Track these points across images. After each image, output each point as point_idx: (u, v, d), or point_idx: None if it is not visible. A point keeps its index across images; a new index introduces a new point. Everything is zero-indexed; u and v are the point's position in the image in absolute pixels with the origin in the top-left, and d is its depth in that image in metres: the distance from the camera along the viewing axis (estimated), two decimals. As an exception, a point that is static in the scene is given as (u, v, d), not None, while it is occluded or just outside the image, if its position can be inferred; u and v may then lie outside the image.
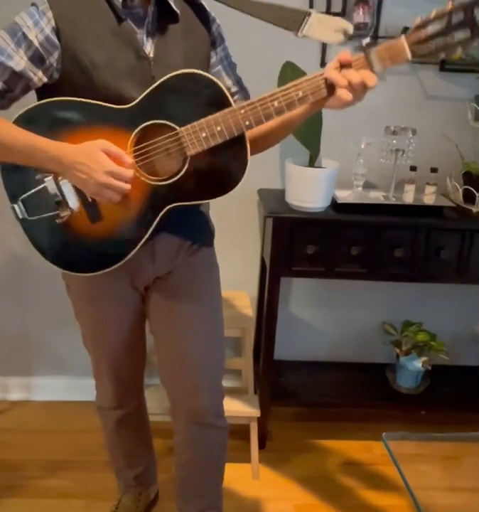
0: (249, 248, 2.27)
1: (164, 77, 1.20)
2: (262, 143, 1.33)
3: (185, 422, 1.54)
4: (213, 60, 1.35)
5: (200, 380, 1.49)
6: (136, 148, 1.22)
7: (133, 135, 1.22)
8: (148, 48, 1.25)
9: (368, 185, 2.12)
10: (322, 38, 1.20)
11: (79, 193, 1.23)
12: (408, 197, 2.04)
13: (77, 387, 2.41)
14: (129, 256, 1.30)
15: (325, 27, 1.18)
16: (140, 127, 1.21)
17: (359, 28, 2.00)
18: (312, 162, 1.94)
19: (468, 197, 2.03)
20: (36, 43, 1.19)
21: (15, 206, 1.25)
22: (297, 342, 2.41)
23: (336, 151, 2.05)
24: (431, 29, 1.08)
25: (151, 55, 1.25)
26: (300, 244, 1.95)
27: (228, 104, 1.20)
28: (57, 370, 2.43)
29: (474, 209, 2.01)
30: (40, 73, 1.22)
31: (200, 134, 1.19)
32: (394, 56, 1.12)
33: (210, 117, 1.19)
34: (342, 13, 1.99)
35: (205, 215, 1.47)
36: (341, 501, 2.01)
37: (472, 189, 2.00)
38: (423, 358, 2.25)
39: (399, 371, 2.32)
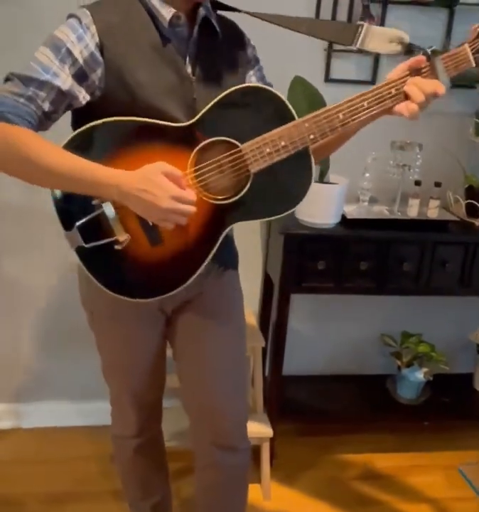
0: (250, 263, 2.23)
1: (223, 93, 1.15)
2: (321, 153, 1.30)
3: (209, 446, 1.49)
4: (250, 79, 1.32)
5: (227, 404, 1.45)
6: (197, 167, 1.17)
7: (193, 154, 1.16)
8: (190, 68, 1.21)
9: (371, 199, 2.12)
10: (378, 49, 1.18)
11: (140, 217, 1.16)
12: (413, 211, 2.05)
13: (69, 412, 2.32)
14: (191, 280, 1.24)
15: (379, 38, 1.16)
16: (200, 145, 1.16)
17: (366, 43, 2.00)
18: (322, 177, 1.92)
19: (471, 210, 2.06)
20: (81, 60, 1.12)
21: (71, 233, 1.17)
22: (296, 356, 2.38)
23: (341, 165, 2.04)
24: None
25: (193, 75, 1.21)
26: (311, 261, 1.93)
27: (291, 118, 1.16)
28: (48, 395, 2.33)
29: (477, 222, 2.05)
30: (83, 91, 1.15)
31: (263, 150, 1.15)
32: (458, 64, 1.13)
33: (273, 132, 1.15)
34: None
35: (231, 236, 1.43)
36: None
37: (475, 203, 2.03)
38: (425, 369, 2.27)
39: (399, 382, 2.34)
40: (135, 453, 1.60)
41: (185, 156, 1.17)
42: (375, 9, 1.98)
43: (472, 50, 1.12)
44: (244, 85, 1.19)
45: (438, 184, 2.06)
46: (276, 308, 1.99)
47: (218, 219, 1.22)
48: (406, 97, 1.14)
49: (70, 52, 1.12)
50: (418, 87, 1.12)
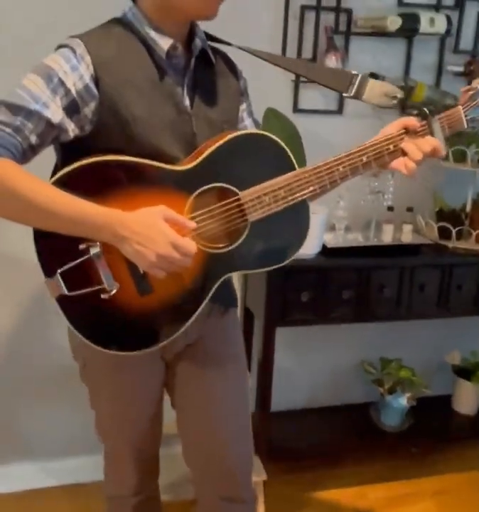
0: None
1: (224, 139, 1.11)
2: (312, 198, 1.27)
3: (216, 499, 1.40)
4: (242, 114, 1.29)
5: (235, 452, 1.37)
6: (194, 214, 1.11)
7: (190, 199, 1.10)
8: (187, 101, 1.16)
9: (346, 227, 2.12)
10: (372, 101, 1.21)
11: (130, 264, 1.08)
12: (388, 237, 2.07)
13: (48, 471, 2.16)
14: (181, 331, 1.17)
15: (374, 90, 1.20)
16: (198, 191, 1.10)
17: (332, 74, 2.03)
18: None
19: (443, 233, 2.10)
20: (74, 92, 1.04)
21: (53, 280, 1.06)
22: (278, 391, 2.32)
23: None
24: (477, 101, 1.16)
25: (191, 109, 1.16)
26: (295, 293, 1.90)
27: (292, 167, 1.14)
28: (24, 456, 2.16)
29: (450, 244, 2.09)
30: (72, 125, 1.06)
31: (263, 199, 1.12)
32: (452, 125, 1.17)
33: (273, 181, 1.12)
34: (313, 59, 2.01)
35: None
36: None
37: (448, 225, 2.07)
38: (408, 395, 2.26)
39: (383, 410, 2.32)
40: None
41: (181, 201, 1.10)
42: (339, 40, 2.02)
43: (464, 112, 1.17)
44: (245, 132, 1.18)
45: (410, 209, 2.09)
46: (262, 343, 1.94)
47: (213, 268, 1.16)
48: (404, 153, 1.15)
49: (62, 83, 1.04)
50: (416, 146, 1.14)
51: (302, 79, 2.02)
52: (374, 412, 2.35)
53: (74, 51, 1.06)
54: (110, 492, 1.50)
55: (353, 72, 1.21)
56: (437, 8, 2.07)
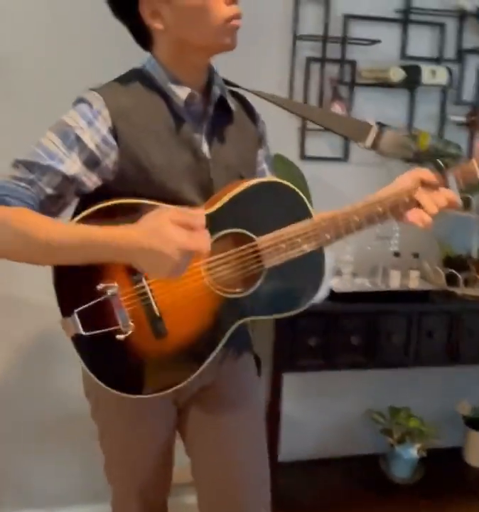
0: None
1: (243, 186, 1.13)
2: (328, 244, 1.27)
3: None
4: (259, 158, 1.31)
5: (254, 501, 1.33)
6: (210, 259, 1.12)
7: None
8: (205, 147, 1.18)
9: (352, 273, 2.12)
10: (389, 153, 1.22)
11: (145, 306, 1.10)
12: (395, 282, 2.06)
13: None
14: (195, 374, 1.16)
15: (390, 141, 1.20)
16: (216, 236, 1.11)
17: (338, 123, 2.07)
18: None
19: (451, 280, 2.10)
20: (91, 146, 1.07)
21: (69, 319, 1.07)
22: (284, 440, 2.27)
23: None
24: None
25: (208, 155, 1.18)
26: (302, 338, 1.88)
27: (309, 215, 1.16)
28: (24, 503, 2.10)
29: (458, 291, 2.08)
30: (94, 177, 1.08)
31: (279, 246, 1.13)
32: (466, 178, 1.16)
33: (290, 228, 1.13)
34: (319, 107, 2.06)
35: None
36: None
37: (455, 272, 2.07)
38: (418, 445, 2.20)
39: (392, 461, 2.26)
40: None
41: None
42: (344, 91, 2.07)
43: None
44: (263, 180, 1.19)
45: (416, 255, 2.09)
46: (269, 390, 1.90)
47: (228, 312, 1.17)
48: (418, 205, 1.15)
49: (78, 139, 1.07)
50: (432, 200, 1.13)
51: (308, 126, 2.07)
52: (383, 463, 2.29)
53: (91, 106, 1.08)
54: None
55: (370, 121, 1.21)
56: (438, 60, 2.13)
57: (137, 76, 1.16)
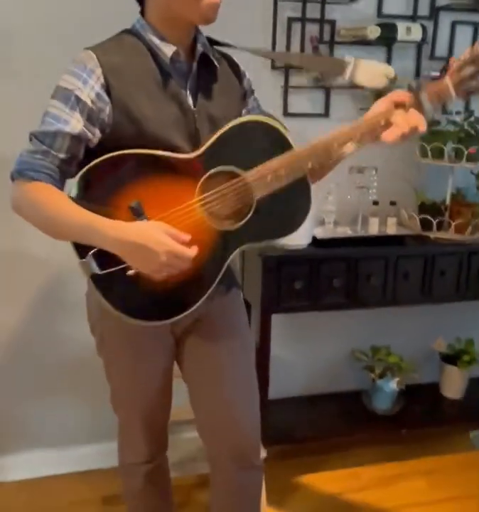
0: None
1: (225, 127, 1.25)
2: (316, 176, 1.39)
3: (226, 466, 1.52)
4: (245, 111, 1.43)
5: (246, 418, 1.49)
6: (203, 196, 1.25)
7: (199, 183, 1.24)
8: (190, 100, 1.30)
9: (334, 222, 2.27)
10: (366, 83, 1.31)
11: None
12: (374, 229, 2.22)
13: (54, 459, 2.28)
14: (200, 302, 1.31)
15: (367, 72, 1.29)
16: (206, 175, 1.24)
17: (318, 80, 2.19)
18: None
19: (425, 225, 2.25)
20: (89, 103, 1.20)
21: (86, 261, 1.20)
22: (272, 380, 2.45)
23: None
24: (468, 70, 1.21)
25: (194, 107, 1.30)
26: (288, 282, 2.04)
27: (289, 147, 1.27)
28: (30, 445, 2.27)
29: (432, 235, 2.24)
30: (97, 132, 1.22)
31: (265, 178, 1.24)
32: (440, 95, 1.24)
33: (274, 161, 1.24)
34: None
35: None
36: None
37: (429, 218, 2.22)
38: (397, 379, 2.39)
39: (374, 394, 2.44)
40: (145, 480, 1.61)
41: (192, 185, 1.25)
42: (324, 49, 2.18)
43: (452, 82, 1.23)
44: (244, 119, 1.29)
45: (393, 203, 2.24)
46: (259, 331, 2.06)
47: (224, 244, 1.30)
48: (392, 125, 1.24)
49: (78, 99, 1.19)
50: (405, 120, 1.22)
51: (291, 84, 2.18)
52: (366, 398, 2.48)
53: (85, 66, 1.21)
54: (124, 461, 1.63)
55: (347, 58, 1.31)
56: (413, 18, 2.25)
57: (127, 36, 1.28)
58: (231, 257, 1.32)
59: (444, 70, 2.29)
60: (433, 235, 2.23)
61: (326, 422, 2.39)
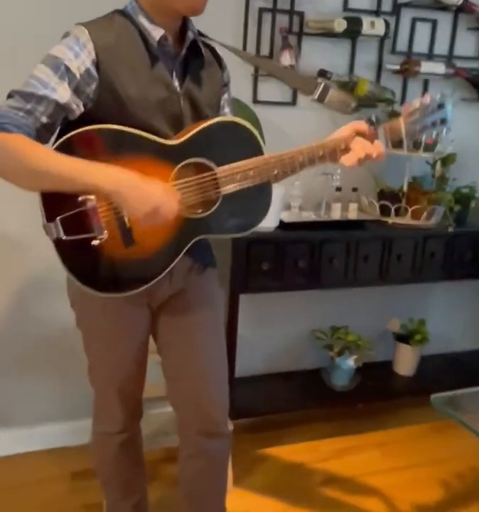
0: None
1: (208, 122, 1.33)
2: (281, 178, 1.48)
3: (197, 434, 1.60)
4: (224, 102, 1.50)
5: (216, 391, 1.58)
6: (176, 182, 1.31)
7: (175, 169, 1.31)
8: (176, 83, 1.36)
9: (299, 207, 2.37)
10: (332, 107, 1.45)
11: (118, 220, 1.28)
12: (336, 214, 2.33)
13: (21, 438, 2.30)
14: (157, 279, 1.37)
15: (333, 98, 1.43)
16: (182, 163, 1.31)
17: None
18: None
19: (384, 211, 2.38)
20: (78, 75, 1.23)
21: (52, 225, 1.24)
22: (237, 358, 2.54)
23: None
24: (417, 116, 1.40)
25: (179, 90, 1.36)
26: (256, 263, 2.13)
27: (260, 151, 1.37)
28: (7, 423, 2.29)
29: (390, 220, 2.37)
30: (81, 104, 1.26)
31: (235, 176, 1.33)
32: (393, 133, 1.41)
33: (245, 162, 1.34)
34: (270, 56, 2.25)
35: (209, 241, 1.58)
36: (311, 500, 2.17)
37: (388, 204, 2.35)
38: (355, 356, 2.53)
39: (332, 372, 2.58)
40: (119, 449, 1.67)
41: (168, 170, 1.31)
42: (293, 40, 2.26)
43: (404, 124, 1.41)
44: (226, 119, 1.39)
45: (355, 189, 2.36)
46: (227, 311, 2.14)
47: (188, 230, 1.38)
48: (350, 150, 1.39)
49: (68, 69, 1.23)
50: (362, 147, 1.37)
51: (260, 73, 2.26)
52: (325, 375, 2.61)
53: (77, 39, 1.24)
54: (99, 429, 1.68)
55: (318, 80, 1.45)
56: (377, 13, 2.35)
57: (119, 16, 1.33)
58: (190, 243, 1.39)
59: (404, 64, 2.43)
60: (391, 220, 2.37)
61: (288, 398, 2.51)
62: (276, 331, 2.63)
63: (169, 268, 1.39)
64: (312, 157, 1.39)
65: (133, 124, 1.27)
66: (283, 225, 2.19)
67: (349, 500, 2.17)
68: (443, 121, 1.43)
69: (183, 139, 1.32)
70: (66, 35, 1.27)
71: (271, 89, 2.31)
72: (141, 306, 1.49)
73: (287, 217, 2.24)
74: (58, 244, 1.27)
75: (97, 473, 1.79)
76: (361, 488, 2.24)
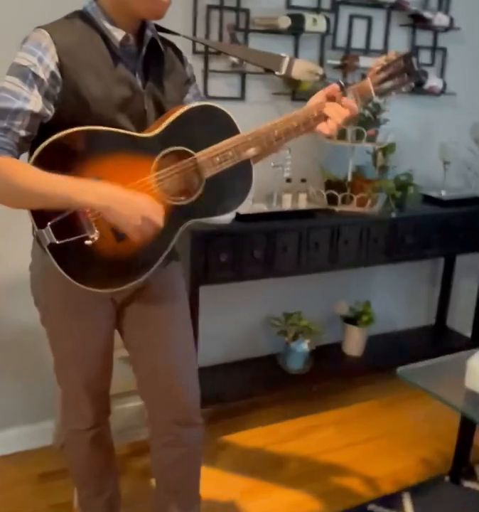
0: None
1: (180, 110, 1.35)
2: (256, 160, 1.51)
3: (170, 424, 1.63)
4: (188, 96, 1.52)
5: (187, 382, 1.62)
6: (158, 173, 1.34)
7: (155, 161, 1.34)
8: (140, 82, 1.38)
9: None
10: (300, 77, 1.49)
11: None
12: (287, 205, 2.42)
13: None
14: (153, 269, 1.40)
15: (300, 68, 1.47)
16: (162, 153, 1.34)
17: (235, 65, 2.33)
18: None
19: (331, 200, 2.50)
20: (45, 80, 1.24)
21: (44, 231, 1.25)
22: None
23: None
24: (384, 74, 1.42)
25: (143, 89, 1.38)
26: (214, 255, 2.18)
27: (236, 131, 1.40)
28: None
29: (337, 209, 2.49)
30: (52, 107, 1.27)
31: (214, 159, 1.37)
32: (363, 94, 1.43)
33: (222, 143, 1.37)
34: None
35: None
36: (274, 478, 2.27)
37: (335, 193, 2.47)
38: (308, 341, 2.64)
39: (287, 356, 2.68)
40: (91, 445, 1.68)
41: (148, 162, 1.34)
42: (240, 37, 2.32)
43: (373, 83, 1.43)
44: (199, 104, 1.41)
45: (303, 180, 2.46)
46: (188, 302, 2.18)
47: (176, 218, 1.41)
48: (326, 118, 1.41)
49: (35, 76, 1.23)
50: (336, 111, 1.40)
51: (210, 68, 2.31)
52: (281, 359, 2.71)
53: (39, 43, 1.25)
54: (69, 428, 1.68)
55: (282, 54, 1.46)
56: (317, 10, 2.46)
57: (79, 17, 1.34)
58: (181, 229, 1.43)
59: (344, 60, 2.54)
60: (339, 208, 2.49)
61: (246, 385, 2.59)
62: (232, 320, 2.70)
63: (163, 256, 1.42)
64: (287, 130, 1.41)
65: (100, 125, 1.29)
66: (239, 217, 2.26)
67: (309, 475, 2.28)
68: (410, 74, 1.42)
69: (158, 130, 1.35)
70: (26, 39, 1.27)
71: (221, 85, 2.37)
72: (104, 300, 1.50)
73: (241, 209, 2.30)
74: (52, 249, 1.28)
75: (70, 471, 1.80)
76: (320, 465, 2.36)
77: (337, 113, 1.40)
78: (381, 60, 1.43)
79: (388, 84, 1.43)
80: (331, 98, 1.43)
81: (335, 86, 1.43)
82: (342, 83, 1.43)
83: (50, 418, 2.28)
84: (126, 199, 1.25)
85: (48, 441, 2.31)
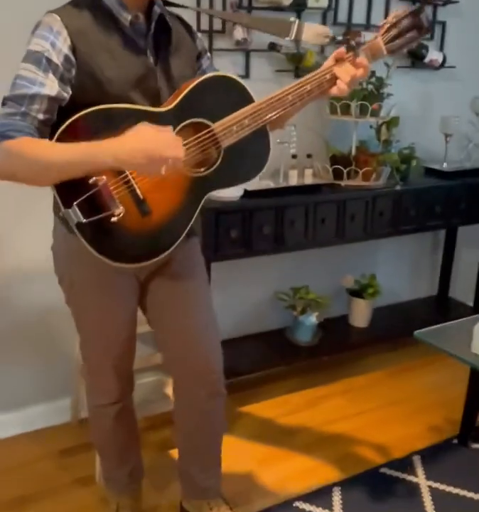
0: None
1: (194, 82, 1.38)
2: (274, 126, 1.54)
3: (197, 394, 1.67)
4: (202, 69, 1.55)
5: (212, 350, 1.66)
6: None
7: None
8: (151, 59, 1.41)
9: (257, 176, 2.47)
10: (310, 41, 1.48)
11: (130, 192, 1.34)
12: (293, 180, 2.46)
13: (3, 422, 2.30)
14: (178, 242, 1.44)
15: (310, 32, 1.46)
16: (179, 126, 1.37)
17: (239, 43, 2.35)
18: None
19: (336, 174, 2.54)
20: (60, 64, 1.27)
21: (70, 211, 1.28)
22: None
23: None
24: (394, 31, 1.43)
25: (155, 66, 1.41)
26: (225, 231, 2.22)
27: (251, 100, 1.43)
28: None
29: (342, 183, 2.53)
30: (69, 90, 1.30)
31: (231, 128, 1.39)
32: (374, 53, 1.44)
33: (238, 112, 1.40)
34: (223, 31, 2.32)
35: None
36: (287, 445, 2.34)
37: (340, 167, 2.50)
38: (316, 313, 2.70)
39: (296, 329, 2.73)
40: (115, 420, 1.73)
41: None
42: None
43: (384, 41, 1.44)
44: (211, 74, 1.43)
45: (309, 156, 2.50)
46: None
47: (197, 189, 1.44)
48: (337, 79, 1.43)
49: (49, 61, 1.26)
50: (346, 71, 1.42)
51: (215, 47, 2.33)
52: (289, 333, 2.77)
53: (51, 28, 1.27)
54: (94, 402, 1.74)
55: (291, 19, 1.46)
56: (319, -14, 2.47)
57: (86, 1, 1.35)
58: (203, 200, 1.46)
59: (345, 35, 2.56)
60: (344, 182, 2.53)
61: (258, 358, 2.64)
62: (241, 295, 2.74)
63: (187, 229, 1.45)
64: (300, 94, 1.42)
65: (113, 103, 1.31)
66: (247, 194, 2.29)
67: (321, 443, 2.35)
68: (420, 29, 1.42)
69: (174, 104, 1.37)
70: (38, 25, 1.29)
71: (226, 63, 2.38)
72: (129, 276, 1.54)
73: (249, 186, 2.34)
74: (80, 228, 1.32)
75: (94, 444, 1.86)
76: (331, 433, 2.43)
77: (346, 72, 1.42)
78: (391, 18, 1.44)
79: (399, 42, 1.44)
80: (340, 60, 1.44)
81: (342, 49, 1.44)
82: (352, 44, 1.42)
83: (68, 396, 2.34)
84: (145, 145, 1.25)
85: (67, 418, 2.38)
